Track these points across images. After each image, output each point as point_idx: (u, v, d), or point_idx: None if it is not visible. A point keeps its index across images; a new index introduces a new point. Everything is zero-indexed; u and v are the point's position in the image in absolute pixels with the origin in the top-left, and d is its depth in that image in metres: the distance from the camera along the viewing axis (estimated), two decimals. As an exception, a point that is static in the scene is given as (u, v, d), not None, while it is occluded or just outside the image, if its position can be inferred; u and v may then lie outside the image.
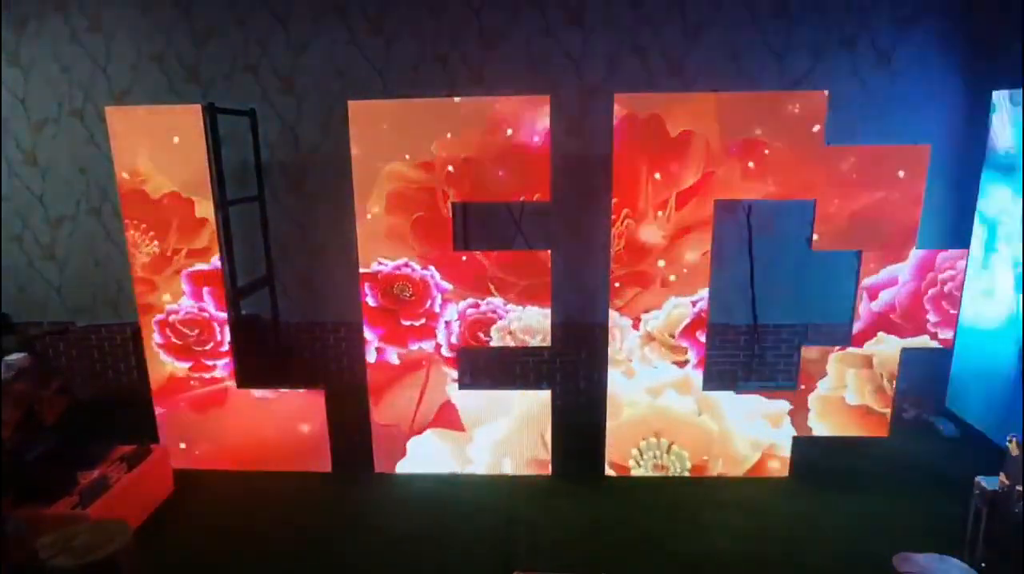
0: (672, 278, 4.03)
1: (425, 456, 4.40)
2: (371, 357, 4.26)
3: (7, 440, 3.86)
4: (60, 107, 5.02)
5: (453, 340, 4.18)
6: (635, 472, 4.31)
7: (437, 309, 4.16)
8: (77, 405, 4.68)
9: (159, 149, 4.08)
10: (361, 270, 4.13)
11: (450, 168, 3.95)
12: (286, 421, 4.42)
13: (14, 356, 4.96)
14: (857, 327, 4.06)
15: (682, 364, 4.15)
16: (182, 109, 4.12)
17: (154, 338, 4.34)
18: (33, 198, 5.21)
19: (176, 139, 4.06)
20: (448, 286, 4.12)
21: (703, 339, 4.11)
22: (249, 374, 4.48)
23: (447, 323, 4.16)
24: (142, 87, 4.95)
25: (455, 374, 4.27)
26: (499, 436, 4.33)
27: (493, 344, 4.19)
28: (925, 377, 5.04)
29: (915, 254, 3.94)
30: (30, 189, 5.19)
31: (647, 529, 3.81)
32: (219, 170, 4.21)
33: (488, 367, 5.03)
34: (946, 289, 3.98)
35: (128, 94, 4.96)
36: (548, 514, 3.98)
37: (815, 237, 3.92)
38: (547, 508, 4.04)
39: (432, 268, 4.10)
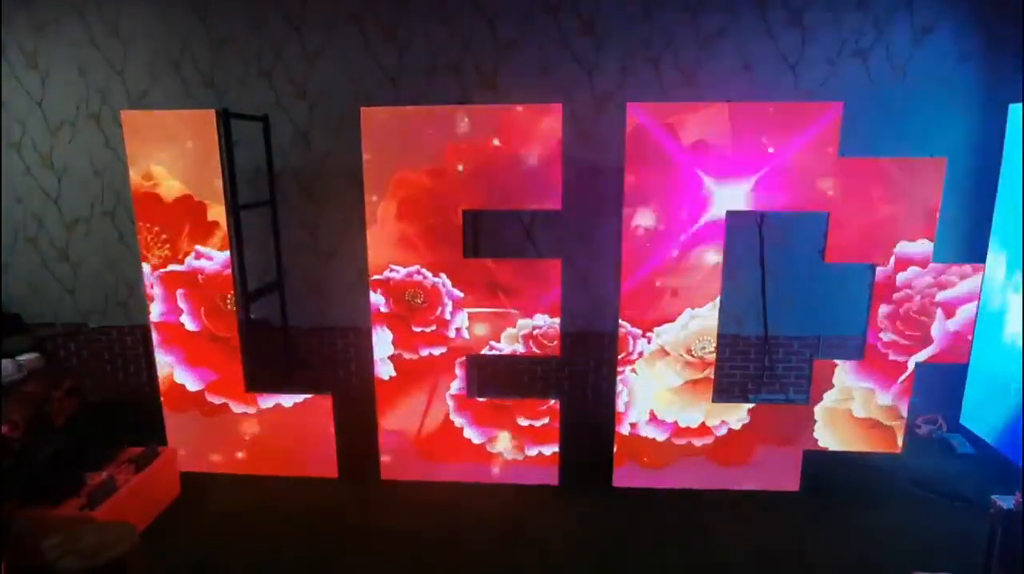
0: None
1: (431, 462, 4.38)
2: (382, 367, 4.27)
3: (17, 440, 3.88)
4: (77, 110, 5.08)
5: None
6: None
7: (448, 316, 4.16)
8: (87, 406, 4.71)
9: (173, 153, 4.12)
10: (373, 277, 4.14)
11: (461, 175, 3.96)
12: (293, 426, 4.42)
13: (26, 356, 5.02)
14: (870, 341, 4.01)
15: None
16: (197, 114, 4.15)
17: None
18: (48, 200, 5.26)
19: (190, 143, 4.09)
20: (459, 293, 4.13)
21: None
22: (257, 378, 4.48)
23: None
24: (158, 91, 5.00)
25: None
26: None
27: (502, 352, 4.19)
28: (939, 393, 4.98)
29: (931, 268, 3.89)
30: (46, 191, 5.24)
31: (655, 541, 3.77)
32: (232, 175, 4.23)
33: (496, 376, 5.01)
34: (962, 303, 3.93)
35: (144, 98, 5.01)
36: (555, 524, 3.95)
37: (828, 249, 3.89)
38: (554, 518, 4.01)
39: (443, 275, 4.12)
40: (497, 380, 5.00)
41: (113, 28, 4.93)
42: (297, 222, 5.13)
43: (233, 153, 4.22)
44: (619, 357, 4.14)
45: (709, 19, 4.64)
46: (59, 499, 3.63)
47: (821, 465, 4.29)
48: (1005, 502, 3.10)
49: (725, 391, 4.98)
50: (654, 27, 4.67)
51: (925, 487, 4.27)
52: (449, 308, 4.15)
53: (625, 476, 4.29)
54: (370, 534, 3.88)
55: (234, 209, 4.28)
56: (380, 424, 4.36)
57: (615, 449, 4.27)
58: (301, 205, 5.11)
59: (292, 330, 5.20)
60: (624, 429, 4.25)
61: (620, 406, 4.21)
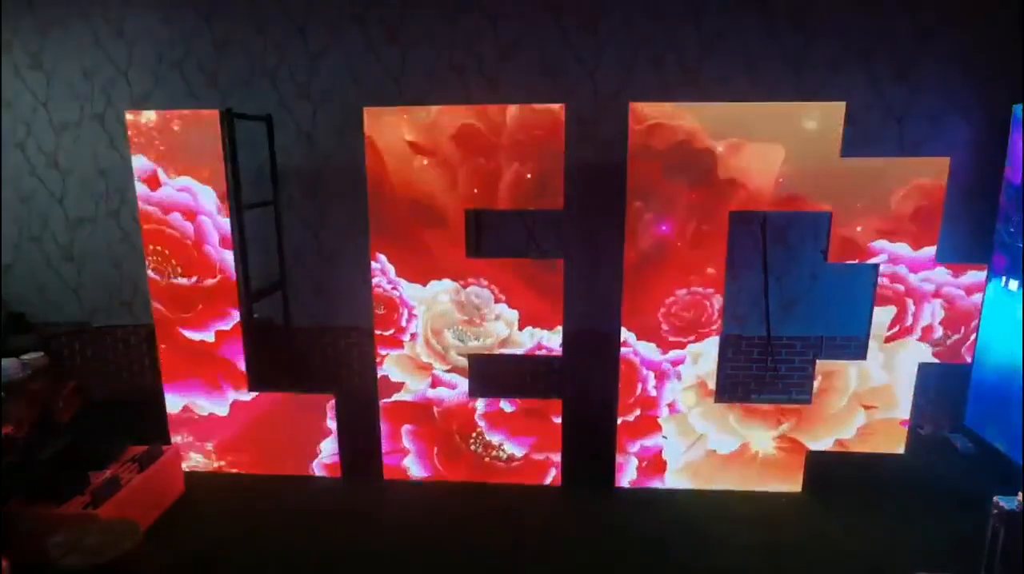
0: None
1: (434, 462, 4.39)
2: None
3: (22, 439, 3.90)
4: (82, 110, 5.11)
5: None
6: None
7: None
8: (91, 405, 4.73)
9: (177, 153, 4.14)
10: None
11: (463, 175, 3.96)
12: (296, 425, 4.43)
13: (31, 355, 5.05)
14: (872, 341, 4.01)
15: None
16: (201, 114, 4.17)
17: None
18: (53, 200, 5.29)
19: (194, 144, 4.11)
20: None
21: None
22: (261, 377, 4.50)
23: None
24: (162, 92, 5.02)
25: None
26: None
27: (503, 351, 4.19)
28: (942, 393, 4.97)
29: (934, 269, 3.89)
30: (51, 191, 5.27)
31: (658, 543, 3.77)
32: (236, 175, 4.25)
33: (497, 375, 5.01)
34: (965, 304, 3.92)
35: (148, 99, 5.03)
36: (555, 524, 3.95)
37: (830, 250, 3.89)
38: (554, 518, 4.02)
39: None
40: (497, 379, 5.01)
41: (117, 29, 4.95)
42: (300, 222, 5.14)
43: (236, 153, 4.24)
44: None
45: (711, 19, 4.64)
46: (63, 497, 3.64)
47: (824, 465, 4.28)
48: (1008, 503, 3.09)
49: (727, 392, 4.98)
50: (656, 26, 4.67)
51: (927, 487, 4.26)
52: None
53: (626, 476, 4.29)
54: (372, 533, 3.89)
55: (238, 209, 4.30)
56: (382, 423, 4.37)
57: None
58: (304, 205, 5.13)
59: (295, 329, 5.22)
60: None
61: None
